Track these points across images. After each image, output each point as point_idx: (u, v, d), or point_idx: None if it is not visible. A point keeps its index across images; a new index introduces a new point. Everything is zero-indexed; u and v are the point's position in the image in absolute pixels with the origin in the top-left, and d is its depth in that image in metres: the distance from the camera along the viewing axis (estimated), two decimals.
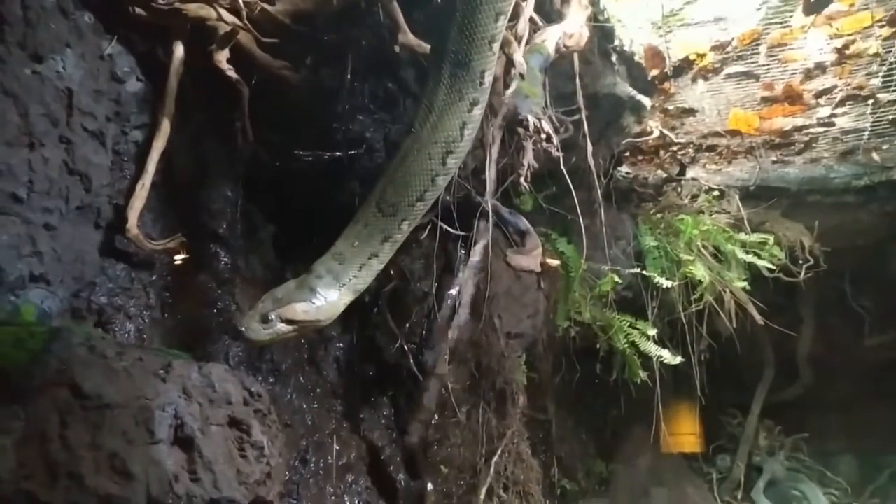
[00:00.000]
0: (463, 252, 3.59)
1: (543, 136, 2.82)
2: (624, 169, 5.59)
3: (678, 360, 4.49)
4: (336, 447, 3.45)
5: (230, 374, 2.26)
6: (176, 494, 1.92)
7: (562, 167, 3.33)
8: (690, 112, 5.00)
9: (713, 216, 5.59)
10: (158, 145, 2.75)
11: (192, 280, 2.96)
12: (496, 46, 2.52)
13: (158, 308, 2.87)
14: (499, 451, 3.50)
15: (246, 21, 2.79)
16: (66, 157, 2.57)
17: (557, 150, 2.94)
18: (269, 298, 2.49)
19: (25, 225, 2.45)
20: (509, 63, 2.92)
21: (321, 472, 3.33)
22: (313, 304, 2.50)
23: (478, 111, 2.58)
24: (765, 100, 4.69)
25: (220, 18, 2.76)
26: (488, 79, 2.55)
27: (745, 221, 5.43)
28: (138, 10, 2.71)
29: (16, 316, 2.38)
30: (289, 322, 2.45)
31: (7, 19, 2.40)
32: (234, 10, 2.79)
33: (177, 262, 2.92)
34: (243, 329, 2.42)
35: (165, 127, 2.75)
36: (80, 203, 2.62)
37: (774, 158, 5.47)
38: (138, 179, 2.72)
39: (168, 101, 2.76)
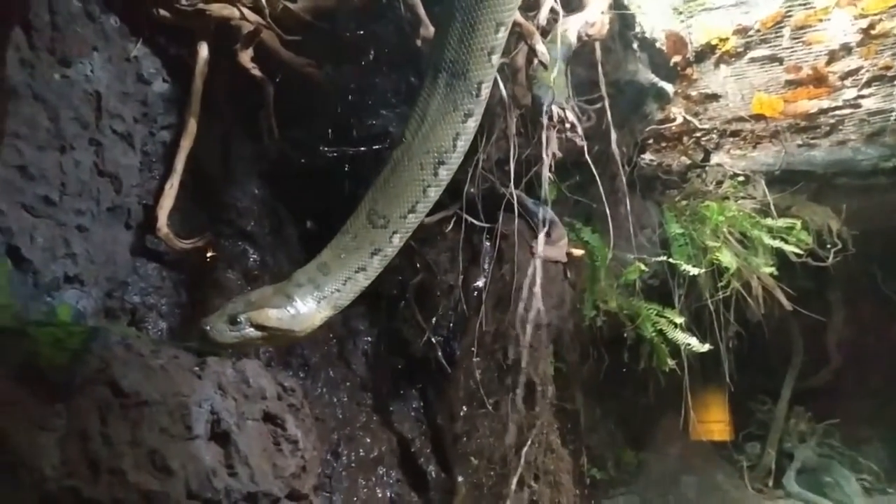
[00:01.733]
0: (488, 244, 3.60)
1: (568, 126, 2.80)
2: (647, 156, 5.55)
3: (706, 347, 4.46)
4: (367, 440, 3.49)
5: (263, 369, 2.29)
6: (214, 489, 1.95)
7: (587, 156, 3.31)
8: (714, 97, 4.94)
9: (739, 202, 5.54)
10: (186, 145, 2.78)
11: (221, 277, 3.00)
12: (496, 59, 2.44)
13: (190, 306, 2.91)
14: (529, 442, 3.49)
15: (269, 19, 2.82)
16: (96, 160, 2.61)
17: (582, 140, 2.92)
18: (241, 300, 2.35)
19: (59, 227, 2.50)
20: (531, 53, 2.91)
21: (353, 464, 3.37)
22: (288, 311, 2.33)
23: (472, 122, 2.50)
24: (789, 83, 4.63)
25: (243, 18, 2.78)
26: (485, 91, 2.47)
27: (772, 206, 5.36)
28: (162, 12, 2.74)
29: (52, 316, 2.42)
30: (259, 327, 2.27)
31: (35, 25, 2.44)
32: (257, 9, 2.81)
33: (206, 260, 2.96)
34: (207, 328, 2.23)
35: (192, 127, 2.79)
36: (110, 204, 2.66)
37: (800, 142, 5.40)
38: (167, 179, 2.76)
39: (194, 102, 2.79)
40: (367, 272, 2.52)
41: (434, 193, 2.57)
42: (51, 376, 1.86)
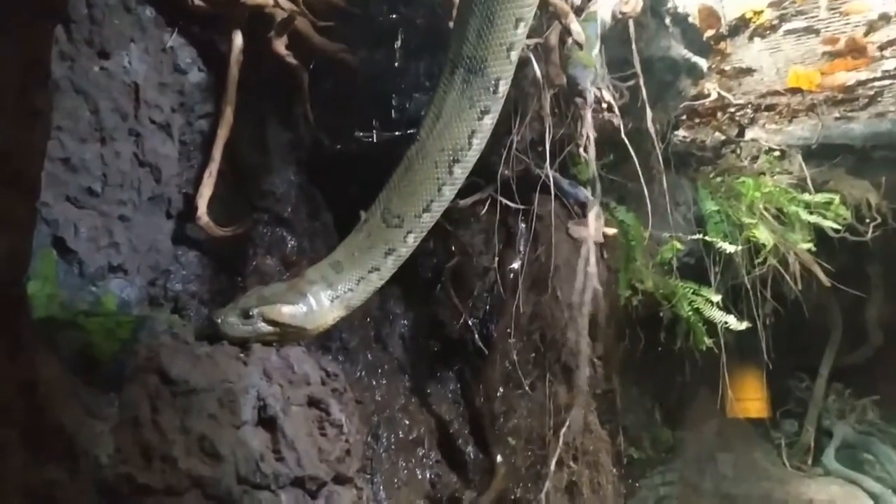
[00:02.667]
0: (523, 226, 3.59)
1: (605, 106, 2.78)
2: (681, 133, 5.50)
3: (744, 325, 4.42)
4: (406, 422, 3.52)
5: (307, 354, 2.32)
6: (263, 473, 1.99)
7: (623, 135, 3.29)
8: (748, 72, 4.88)
9: (775, 177, 5.47)
10: (223, 133, 2.80)
11: (261, 264, 3.02)
12: (514, 55, 2.39)
13: (230, 293, 2.94)
14: (567, 423, 3.50)
15: (302, 6, 2.82)
16: (136, 150, 2.65)
17: (618, 120, 2.90)
18: (254, 295, 2.34)
19: (102, 217, 2.54)
20: (565, 32, 2.88)
21: (393, 446, 3.40)
22: (301, 308, 2.32)
23: (489, 120, 2.45)
24: (826, 55, 4.55)
25: (277, 5, 2.79)
26: (503, 88, 2.42)
27: (809, 181, 5.28)
28: (197, 2, 2.75)
29: (98, 306, 2.47)
30: (271, 323, 2.26)
31: (73, 18, 2.47)
32: None
33: (245, 248, 2.99)
34: (219, 321, 2.21)
35: (228, 115, 2.81)
36: (151, 194, 2.70)
37: (837, 115, 5.32)
38: (205, 168, 2.79)
39: (230, 90, 2.80)
40: (380, 272, 2.49)
41: (449, 192, 2.54)
42: (103, 366, 1.90)
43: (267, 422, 2.07)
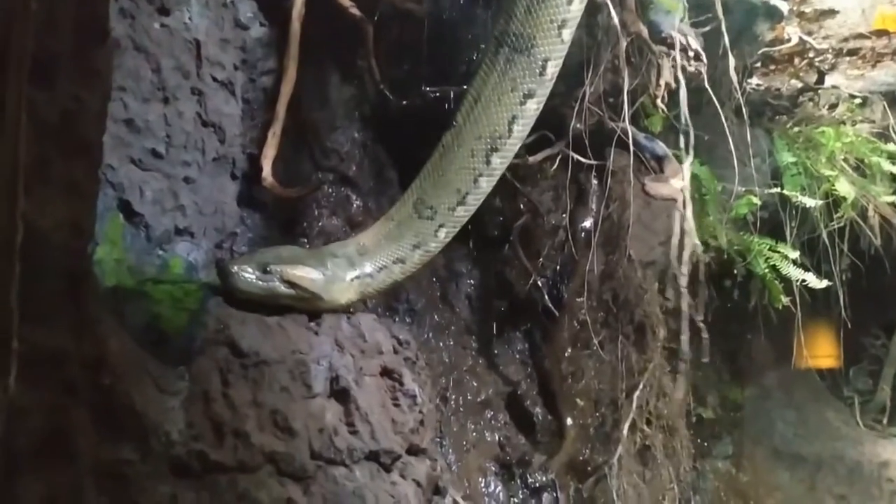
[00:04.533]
0: (596, 182, 3.45)
1: (691, 53, 2.59)
2: (755, 81, 5.24)
3: (823, 283, 4.23)
4: (474, 384, 3.46)
5: (378, 322, 2.24)
6: (337, 448, 1.93)
7: (706, 84, 3.10)
8: (830, 13, 4.59)
9: (856, 126, 5.19)
10: (286, 91, 2.71)
11: (327, 224, 2.95)
12: (567, 34, 2.19)
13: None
14: (640, 386, 3.39)
15: None
16: (199, 110, 2.57)
17: (704, 68, 2.70)
18: (271, 253, 2.20)
19: (167, 179, 2.48)
20: None
21: (461, 409, 3.37)
22: (322, 276, 2.14)
23: (532, 105, 2.27)
24: None
25: None
26: (552, 70, 2.23)
27: (892, 129, 5.01)
28: None
29: (164, 270, 2.42)
30: (290, 284, 2.09)
31: None
32: None
33: (310, 208, 2.91)
34: (234, 270, 2.05)
35: (291, 72, 2.70)
36: (215, 154, 2.63)
37: None
38: (269, 127, 2.70)
39: (292, 45, 2.70)
40: (404, 265, 2.35)
41: (486, 184, 2.39)
42: (172, 339, 1.85)
43: (339, 394, 2.00)
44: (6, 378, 1.08)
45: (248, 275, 2.05)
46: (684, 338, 3.30)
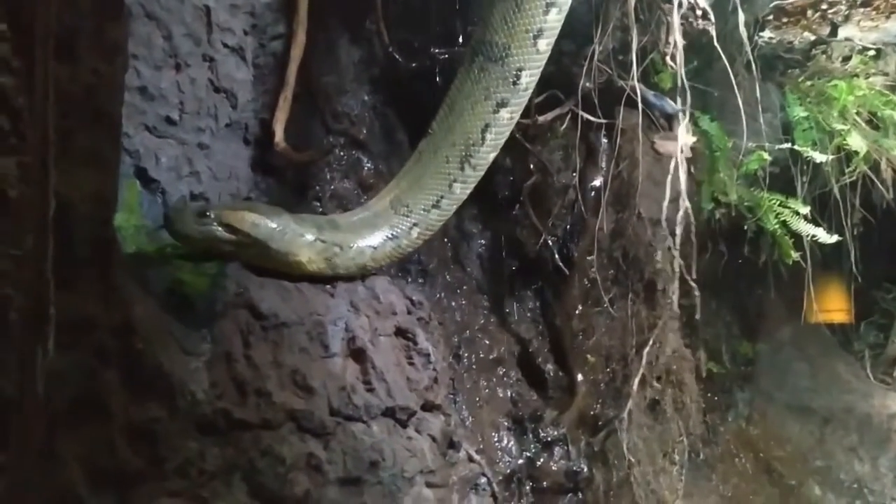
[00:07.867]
0: (605, 141, 3.46)
1: (699, 12, 2.59)
2: (766, 34, 5.18)
3: (834, 238, 4.24)
4: (486, 342, 3.52)
5: (392, 284, 2.30)
6: (354, 405, 2.00)
7: (715, 41, 3.09)
8: None
9: (869, 79, 5.13)
10: (296, 55, 2.73)
11: (338, 188, 2.98)
12: (543, 44, 2.19)
13: None
14: (650, 342, 3.44)
15: None
16: (210, 76, 2.60)
17: (713, 25, 2.70)
18: (238, 203, 2.17)
19: (181, 146, 2.53)
20: None
21: (474, 366, 3.42)
22: (268, 223, 2.06)
23: (506, 113, 2.30)
24: None
25: None
26: (526, 80, 2.25)
27: None
28: None
29: None
30: (229, 228, 2.03)
31: None
32: None
33: (323, 172, 2.94)
34: (170, 214, 2.04)
35: (301, 36, 2.72)
36: (228, 120, 2.67)
37: None
38: (280, 92, 2.72)
39: (301, 9, 2.71)
40: (375, 251, 2.28)
41: (461, 190, 2.42)
42: (194, 302, 1.91)
43: (356, 353, 2.07)
44: (45, 343, 1.14)
45: (185, 218, 2.04)
46: (674, 297, 3.33)
